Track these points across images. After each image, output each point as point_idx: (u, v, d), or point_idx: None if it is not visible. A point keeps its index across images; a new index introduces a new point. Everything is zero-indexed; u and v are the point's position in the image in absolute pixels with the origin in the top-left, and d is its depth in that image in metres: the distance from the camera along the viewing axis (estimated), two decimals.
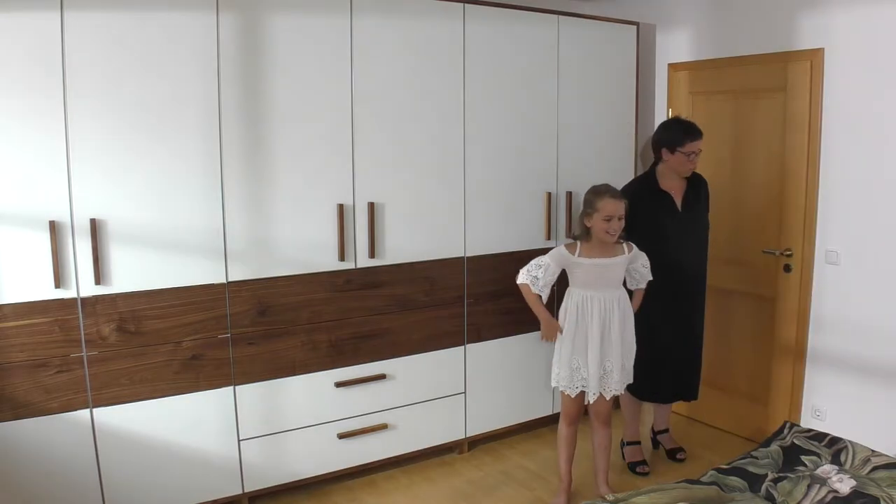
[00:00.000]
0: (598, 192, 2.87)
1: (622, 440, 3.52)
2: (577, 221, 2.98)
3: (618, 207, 2.83)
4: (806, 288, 3.41)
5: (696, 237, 3.33)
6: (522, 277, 2.95)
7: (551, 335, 2.99)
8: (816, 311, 3.39)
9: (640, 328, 3.11)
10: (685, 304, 3.31)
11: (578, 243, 2.92)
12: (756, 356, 3.63)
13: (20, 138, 2.39)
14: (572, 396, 2.98)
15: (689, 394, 3.41)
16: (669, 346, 3.30)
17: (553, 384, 3.02)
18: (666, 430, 3.59)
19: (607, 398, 2.97)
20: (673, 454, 3.52)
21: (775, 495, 2.15)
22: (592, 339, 2.89)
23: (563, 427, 3.06)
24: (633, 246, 3.01)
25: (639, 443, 3.48)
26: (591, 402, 2.96)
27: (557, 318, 3.01)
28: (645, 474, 3.37)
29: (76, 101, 2.45)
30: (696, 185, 3.34)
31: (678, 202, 3.28)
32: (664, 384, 3.36)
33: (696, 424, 3.90)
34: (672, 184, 3.30)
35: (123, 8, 2.50)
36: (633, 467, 3.41)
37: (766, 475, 2.26)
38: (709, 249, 3.40)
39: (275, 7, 2.78)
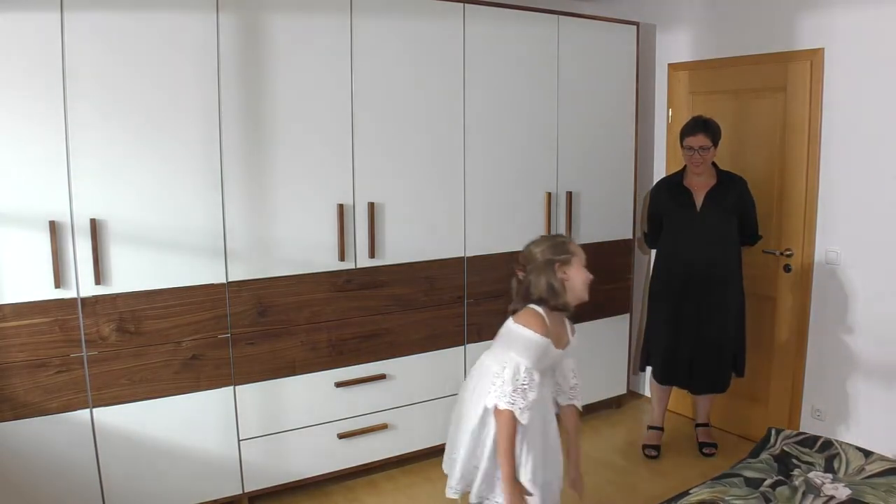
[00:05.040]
0: (558, 237, 2.21)
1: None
2: (538, 283, 2.12)
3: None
4: (806, 288, 3.40)
5: (715, 238, 3.28)
6: (525, 415, 2.02)
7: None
8: (816, 311, 3.39)
9: (654, 316, 3.44)
10: (697, 304, 3.31)
11: (544, 313, 2.10)
12: (756, 356, 3.62)
13: (20, 138, 2.39)
14: None
15: (700, 388, 3.47)
16: (677, 340, 3.38)
17: None
18: (705, 424, 3.64)
19: None
20: (701, 447, 3.59)
21: (770, 498, 2.14)
22: (547, 445, 2.19)
23: None
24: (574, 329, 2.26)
25: (658, 429, 3.62)
26: None
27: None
28: (651, 457, 3.52)
29: (76, 100, 2.45)
30: (725, 184, 3.30)
31: (699, 200, 3.29)
32: (676, 372, 3.46)
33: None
34: (695, 181, 3.31)
35: (123, 8, 2.50)
36: (643, 449, 3.57)
37: (763, 479, 2.25)
38: (738, 252, 3.34)
39: (275, 7, 2.78)
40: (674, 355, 3.42)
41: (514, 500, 2.04)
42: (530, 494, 2.08)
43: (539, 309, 2.10)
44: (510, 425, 2.01)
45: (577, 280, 2.11)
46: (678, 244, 3.37)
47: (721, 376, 3.42)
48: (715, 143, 3.24)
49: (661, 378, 3.53)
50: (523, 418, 2.01)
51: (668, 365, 3.46)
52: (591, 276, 2.15)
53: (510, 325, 2.12)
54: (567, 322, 2.21)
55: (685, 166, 3.38)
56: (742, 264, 3.37)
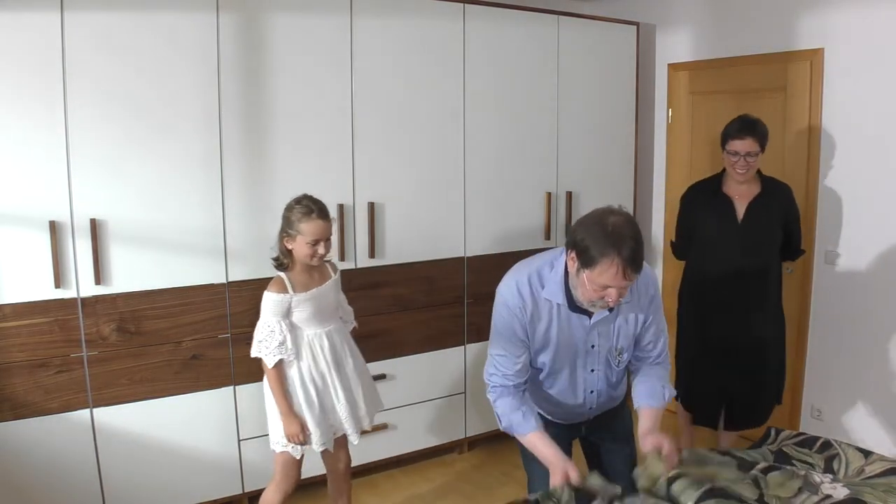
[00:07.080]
0: (303, 209, 2.36)
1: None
2: (277, 242, 2.42)
3: (326, 229, 2.37)
4: (806, 288, 3.40)
5: (757, 253, 2.88)
6: (270, 358, 2.37)
7: (296, 433, 2.40)
8: (816, 311, 3.39)
9: (684, 342, 3.08)
10: (734, 329, 2.92)
11: (285, 277, 2.39)
12: None
13: (20, 138, 2.39)
14: (331, 450, 2.57)
15: (739, 425, 3.09)
16: (711, 373, 2.98)
17: (285, 449, 2.45)
18: None
19: (357, 434, 2.58)
20: None
21: (762, 484, 2.10)
22: (333, 377, 2.49)
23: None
24: (337, 267, 2.61)
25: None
26: (353, 442, 2.60)
27: (287, 386, 2.43)
28: None
29: (76, 100, 2.45)
30: (769, 193, 2.90)
31: (740, 210, 2.89)
32: (699, 404, 3.11)
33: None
34: (736, 188, 2.91)
35: (124, 8, 2.50)
36: None
37: (756, 462, 2.22)
38: (780, 270, 3.00)
39: (275, 7, 2.78)
40: (707, 390, 3.02)
41: (290, 430, 2.40)
42: (308, 432, 2.43)
43: (280, 274, 2.42)
44: (268, 369, 2.39)
45: (298, 253, 2.37)
46: (715, 260, 2.92)
47: (762, 411, 3.06)
48: (763, 148, 2.84)
49: (697, 417, 3.15)
50: (269, 361, 2.36)
51: (701, 401, 3.07)
52: (318, 253, 2.37)
53: None
54: (326, 264, 2.54)
55: (723, 171, 2.96)
56: (782, 284, 3.03)
